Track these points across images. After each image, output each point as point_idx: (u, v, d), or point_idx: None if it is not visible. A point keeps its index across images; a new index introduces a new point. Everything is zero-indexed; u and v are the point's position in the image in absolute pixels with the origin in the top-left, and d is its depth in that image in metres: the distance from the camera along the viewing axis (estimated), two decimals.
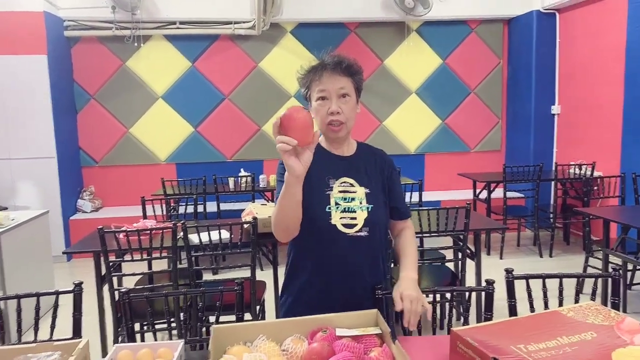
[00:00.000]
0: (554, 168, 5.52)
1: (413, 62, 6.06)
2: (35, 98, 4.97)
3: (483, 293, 1.58)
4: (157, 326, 2.90)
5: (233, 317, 2.21)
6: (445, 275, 3.17)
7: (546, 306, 1.69)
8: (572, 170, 5.10)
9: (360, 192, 1.50)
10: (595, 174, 4.89)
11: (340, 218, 1.46)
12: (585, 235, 3.81)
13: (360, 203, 1.48)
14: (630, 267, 3.51)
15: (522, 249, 5.21)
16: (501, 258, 4.88)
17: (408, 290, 1.40)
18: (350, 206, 1.47)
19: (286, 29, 5.86)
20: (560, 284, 1.71)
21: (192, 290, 1.58)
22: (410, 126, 6.19)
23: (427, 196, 5.35)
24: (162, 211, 3.98)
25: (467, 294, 1.63)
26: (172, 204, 4.31)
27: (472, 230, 2.95)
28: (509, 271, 1.67)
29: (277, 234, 1.44)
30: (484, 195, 5.20)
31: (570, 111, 5.59)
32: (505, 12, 5.96)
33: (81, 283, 1.66)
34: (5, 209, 4.80)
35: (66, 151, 5.34)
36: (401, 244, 1.59)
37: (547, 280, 1.71)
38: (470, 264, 3.05)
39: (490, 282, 1.57)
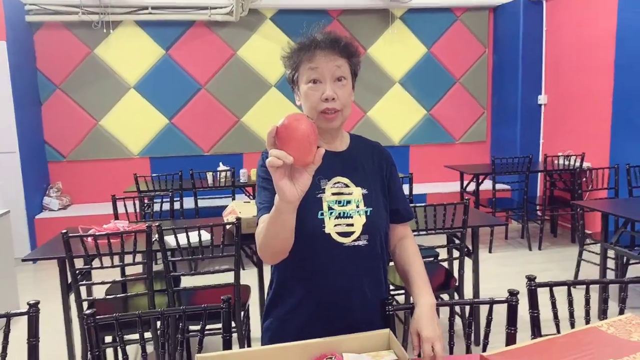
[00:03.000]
0: (541, 159, 5.43)
1: (397, 50, 5.86)
2: None
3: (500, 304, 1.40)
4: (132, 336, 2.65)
5: (217, 324, 1.98)
6: (438, 274, 3.00)
7: (571, 316, 1.52)
8: (560, 162, 5.01)
9: (357, 193, 1.27)
10: (584, 165, 4.79)
11: (335, 225, 1.23)
12: (579, 229, 3.70)
13: (357, 206, 1.26)
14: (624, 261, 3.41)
15: (511, 242, 5.10)
16: (490, 252, 4.76)
17: (427, 329, 1.19)
18: (345, 211, 1.24)
19: (266, 15, 5.58)
20: (587, 291, 1.53)
21: (171, 310, 1.34)
22: (394, 117, 6.01)
23: (413, 189, 5.19)
24: (135, 208, 3.68)
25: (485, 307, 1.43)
26: (146, 202, 4.03)
27: (471, 226, 2.78)
28: (530, 279, 1.48)
29: (263, 256, 1.21)
30: (470, 187, 5.07)
31: (557, 101, 5.49)
32: None
33: (37, 303, 1.41)
34: None
35: (30, 145, 4.97)
36: (405, 258, 1.35)
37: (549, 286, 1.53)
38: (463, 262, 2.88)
39: (513, 293, 1.38)
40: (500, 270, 4.27)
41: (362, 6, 5.61)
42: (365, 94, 5.88)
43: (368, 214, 1.26)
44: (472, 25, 5.98)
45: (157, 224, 2.39)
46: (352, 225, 1.24)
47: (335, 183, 1.27)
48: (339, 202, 1.25)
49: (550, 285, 1.48)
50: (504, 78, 5.91)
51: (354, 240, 1.24)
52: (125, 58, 5.38)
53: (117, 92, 5.42)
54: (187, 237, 2.37)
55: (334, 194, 1.26)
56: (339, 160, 1.30)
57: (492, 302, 1.38)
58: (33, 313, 1.40)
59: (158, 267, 2.65)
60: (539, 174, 5.54)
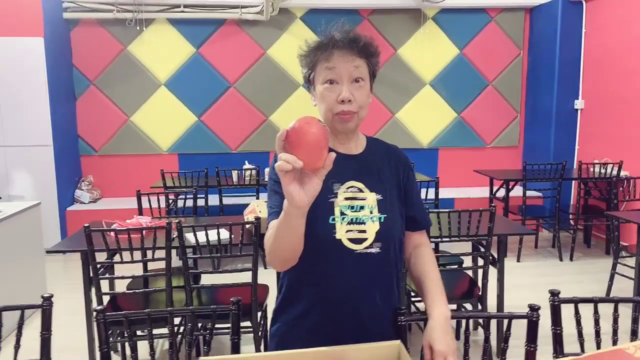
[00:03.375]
0: (576, 166, 5.23)
1: (428, 51, 5.75)
2: (31, 82, 4.74)
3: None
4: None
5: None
6: (462, 282, 2.91)
7: (597, 335, 1.43)
8: (595, 169, 4.81)
9: (371, 198, 1.22)
10: (622, 173, 4.59)
11: (347, 231, 1.18)
12: (614, 240, 3.53)
13: (371, 212, 1.21)
14: None
15: (541, 251, 4.93)
16: (518, 261, 4.60)
17: (440, 343, 1.14)
18: (358, 216, 1.20)
19: (296, 14, 5.57)
20: (615, 309, 1.44)
21: (179, 310, 1.33)
22: (423, 119, 5.90)
23: (441, 193, 5.07)
24: (159, 204, 3.71)
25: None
26: (171, 198, 4.06)
27: (496, 234, 2.68)
28: (554, 293, 1.41)
29: (272, 263, 1.18)
30: (500, 193, 4.92)
31: (595, 106, 5.28)
32: (527, 0, 5.64)
33: (51, 297, 1.42)
34: None
35: (64, 139, 5.11)
36: (421, 267, 1.30)
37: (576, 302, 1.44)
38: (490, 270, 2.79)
39: (534, 308, 1.31)
40: (528, 280, 4.12)
41: (394, 6, 5.53)
42: (394, 95, 5.80)
43: (382, 220, 1.21)
44: (507, 26, 5.81)
45: (176, 220, 2.40)
46: (364, 231, 1.20)
47: (348, 187, 1.23)
48: (352, 207, 1.21)
49: (575, 301, 1.40)
50: (539, 81, 5.73)
51: (367, 248, 1.19)
52: (157, 55, 5.46)
53: (148, 89, 5.51)
54: (206, 235, 2.38)
55: (347, 198, 1.22)
56: (354, 164, 1.26)
57: (510, 317, 1.31)
58: (46, 306, 1.42)
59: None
60: (573, 181, 5.34)
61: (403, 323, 1.28)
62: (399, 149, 1.36)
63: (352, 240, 1.19)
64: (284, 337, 1.26)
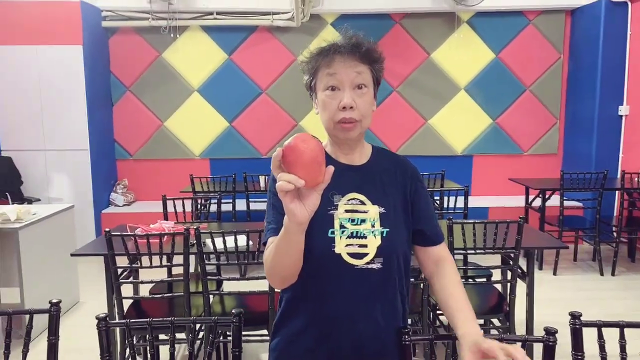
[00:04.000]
0: (619, 176, 4.96)
1: (463, 56, 5.61)
2: (70, 89, 4.92)
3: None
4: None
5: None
6: (490, 296, 2.80)
7: None
8: None
9: (373, 211, 1.17)
10: None
11: (347, 246, 1.13)
12: None
13: (373, 226, 1.16)
14: None
15: (579, 265, 4.69)
16: (555, 274, 4.39)
17: (486, 341, 1.02)
18: (359, 230, 1.15)
19: (327, 20, 5.55)
20: None
21: (182, 319, 1.32)
22: (457, 125, 5.75)
23: (474, 202, 4.94)
24: (184, 208, 3.74)
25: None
26: (200, 202, 4.10)
27: (524, 247, 2.56)
28: (575, 316, 1.30)
29: (272, 281, 1.15)
30: (537, 202, 4.72)
31: None
32: (568, 1, 5.42)
33: (59, 302, 1.44)
34: (38, 200, 4.79)
35: (100, 143, 5.28)
36: (445, 286, 1.20)
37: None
38: (520, 283, 2.66)
39: (551, 332, 1.22)
40: (565, 294, 3.93)
41: (427, 10, 5.43)
42: (428, 101, 5.69)
43: (384, 235, 1.16)
44: (546, 29, 5.59)
45: (194, 227, 2.41)
46: (365, 246, 1.14)
47: (349, 199, 1.18)
48: (353, 220, 1.16)
49: (599, 325, 1.30)
50: (581, 86, 5.47)
51: (367, 263, 1.14)
52: (190, 62, 5.56)
53: (181, 95, 5.62)
54: (224, 241, 2.37)
55: (347, 211, 1.17)
56: (356, 175, 1.21)
57: (524, 340, 1.23)
58: (54, 312, 1.43)
59: (210, 266, 2.66)
60: (616, 192, 5.07)
61: (407, 343, 1.21)
62: (407, 160, 1.30)
63: (352, 255, 1.14)
64: (282, 353, 1.23)
